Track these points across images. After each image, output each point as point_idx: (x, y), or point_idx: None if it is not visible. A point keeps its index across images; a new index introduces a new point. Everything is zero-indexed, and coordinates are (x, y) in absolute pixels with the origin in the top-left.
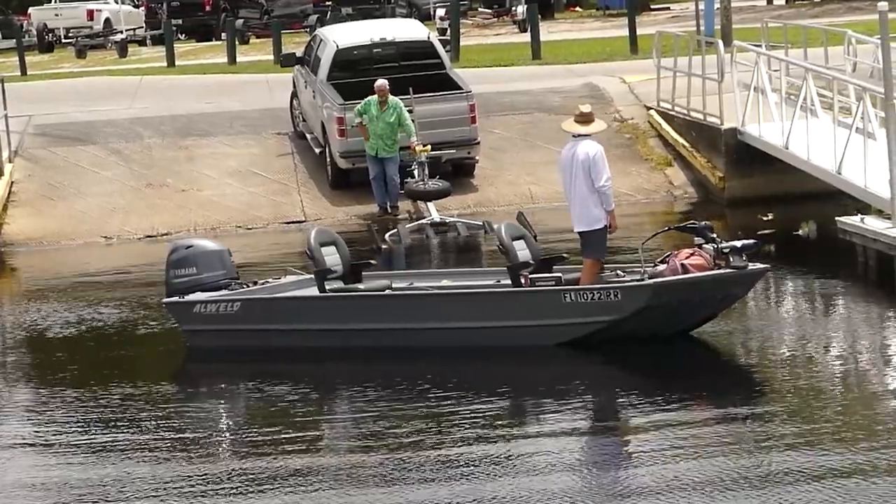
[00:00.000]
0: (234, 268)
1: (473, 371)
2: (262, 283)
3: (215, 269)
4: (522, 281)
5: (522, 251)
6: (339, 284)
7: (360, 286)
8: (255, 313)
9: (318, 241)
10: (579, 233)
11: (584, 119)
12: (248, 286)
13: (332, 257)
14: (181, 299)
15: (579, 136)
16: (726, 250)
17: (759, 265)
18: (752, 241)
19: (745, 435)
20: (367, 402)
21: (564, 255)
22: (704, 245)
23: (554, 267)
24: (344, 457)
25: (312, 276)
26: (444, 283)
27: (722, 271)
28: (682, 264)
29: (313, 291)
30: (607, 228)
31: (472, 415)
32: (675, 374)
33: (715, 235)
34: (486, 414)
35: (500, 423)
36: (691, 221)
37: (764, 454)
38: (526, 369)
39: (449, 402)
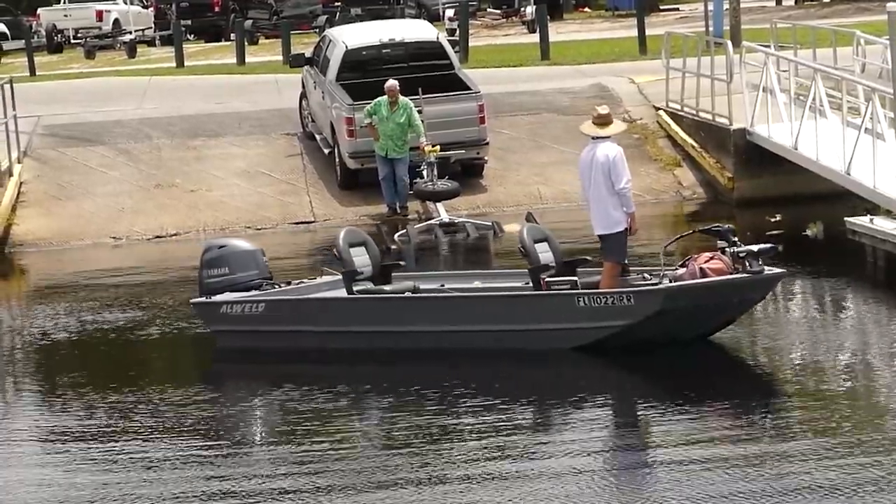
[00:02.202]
0: (267, 268)
1: (488, 373)
2: (297, 284)
3: (249, 269)
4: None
5: (545, 253)
6: (368, 285)
7: (387, 288)
8: (281, 314)
9: (348, 242)
10: (599, 236)
11: (602, 121)
12: (281, 286)
13: (361, 258)
14: (208, 299)
15: (598, 138)
16: (743, 254)
17: (776, 269)
18: (768, 245)
19: (761, 433)
20: (385, 405)
21: (588, 257)
22: (727, 249)
23: (578, 269)
24: (360, 463)
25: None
26: (476, 283)
27: (737, 276)
28: (701, 268)
29: (343, 292)
30: (627, 231)
31: (487, 413)
32: (689, 374)
33: (736, 239)
34: (500, 415)
35: (514, 425)
36: (716, 225)
37: (780, 448)
38: (539, 373)
39: (466, 404)
